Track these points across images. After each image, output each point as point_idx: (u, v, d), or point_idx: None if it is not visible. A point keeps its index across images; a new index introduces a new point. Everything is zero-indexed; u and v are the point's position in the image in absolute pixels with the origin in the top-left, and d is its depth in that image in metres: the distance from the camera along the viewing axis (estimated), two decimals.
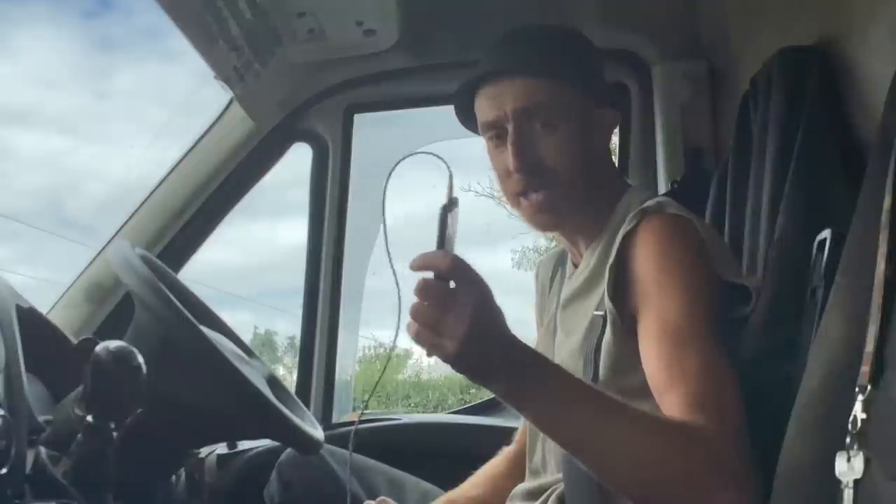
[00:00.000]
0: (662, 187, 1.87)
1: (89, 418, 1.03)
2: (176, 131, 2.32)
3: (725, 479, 0.90)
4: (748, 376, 1.00)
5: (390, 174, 0.99)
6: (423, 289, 0.86)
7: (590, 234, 1.22)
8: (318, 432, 1.36)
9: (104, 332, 1.82)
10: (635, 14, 1.89)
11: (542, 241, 9.35)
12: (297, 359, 2.14)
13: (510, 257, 11.19)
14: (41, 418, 1.17)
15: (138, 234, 1.94)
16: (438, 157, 0.94)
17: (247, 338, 1.76)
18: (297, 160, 2.09)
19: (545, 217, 1.20)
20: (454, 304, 0.85)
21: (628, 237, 1.10)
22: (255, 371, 1.33)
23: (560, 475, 1.15)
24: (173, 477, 1.41)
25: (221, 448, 1.79)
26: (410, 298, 0.87)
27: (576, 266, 1.26)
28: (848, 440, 0.72)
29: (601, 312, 1.13)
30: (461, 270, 0.86)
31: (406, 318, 0.88)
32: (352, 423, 1.99)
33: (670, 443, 0.92)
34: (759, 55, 1.40)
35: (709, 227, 1.17)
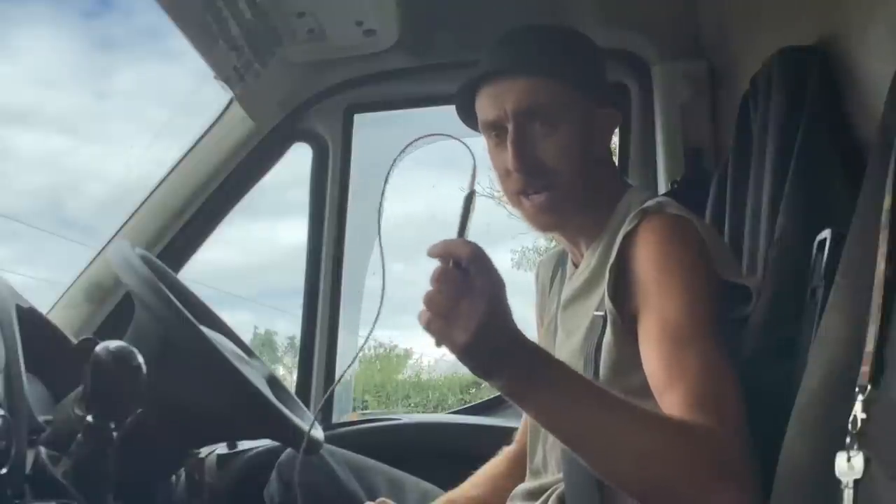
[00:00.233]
0: (662, 187, 1.87)
1: (89, 418, 1.04)
2: (176, 131, 2.33)
3: (726, 479, 0.90)
4: (748, 376, 1.00)
5: (399, 157, 0.98)
6: (441, 275, 0.85)
7: (590, 234, 1.22)
8: (317, 432, 1.36)
9: (104, 332, 1.82)
10: (635, 14, 1.89)
11: (542, 242, 9.34)
12: (297, 359, 2.14)
13: (510, 257, 11.18)
14: (41, 418, 1.17)
15: (138, 234, 1.94)
16: (464, 143, 0.92)
17: (247, 338, 1.76)
18: (297, 160, 2.10)
19: (546, 218, 1.20)
20: (470, 294, 0.84)
21: (629, 237, 1.10)
22: (255, 371, 1.33)
23: (560, 475, 1.16)
24: (173, 477, 1.41)
25: (221, 448, 1.79)
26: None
27: (576, 266, 1.27)
28: (848, 440, 0.72)
29: (602, 313, 1.13)
30: (480, 260, 0.85)
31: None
32: (352, 424, 1.99)
33: (671, 441, 0.92)
34: (759, 55, 1.40)
35: (709, 227, 1.18)
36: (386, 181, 0.97)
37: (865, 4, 1.14)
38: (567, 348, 1.20)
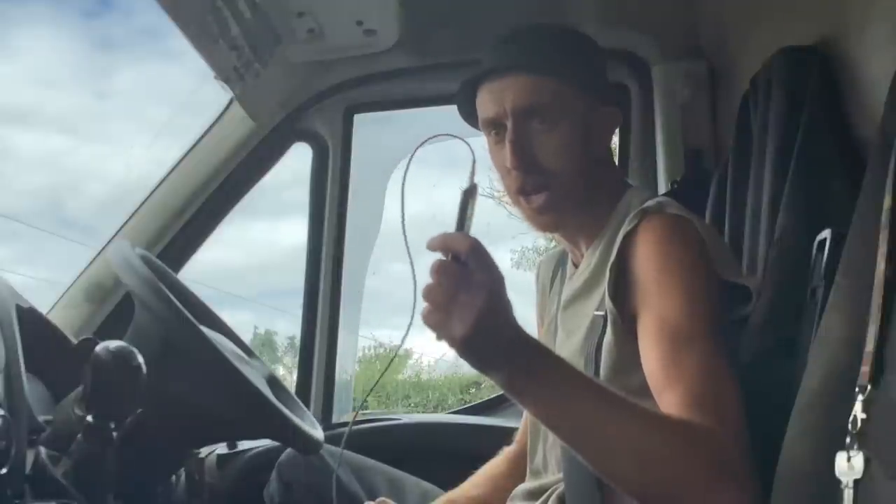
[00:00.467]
0: (662, 187, 1.87)
1: (89, 418, 1.04)
2: (176, 131, 2.33)
3: (725, 479, 0.90)
4: (748, 376, 1.00)
5: (411, 158, 0.98)
6: (439, 269, 0.85)
7: (590, 234, 1.22)
8: (318, 432, 1.36)
9: (104, 332, 1.82)
10: (635, 14, 1.89)
11: (542, 242, 9.34)
12: (297, 359, 2.14)
13: (510, 257, 11.18)
14: (41, 418, 1.17)
15: (138, 234, 1.94)
16: (464, 140, 0.93)
17: (247, 338, 1.77)
18: (297, 160, 2.10)
19: (546, 218, 1.20)
20: (468, 287, 0.84)
21: (629, 237, 1.10)
22: (255, 371, 1.33)
23: (561, 475, 1.16)
24: (173, 477, 1.41)
25: (221, 448, 1.79)
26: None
27: (576, 266, 1.27)
28: (848, 440, 0.72)
29: (602, 312, 1.13)
30: (479, 254, 0.85)
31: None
32: (352, 424, 1.99)
33: (671, 440, 0.92)
34: (759, 55, 1.40)
35: (709, 227, 1.17)
36: (403, 182, 0.97)
37: (865, 4, 1.14)
38: (567, 348, 1.20)
